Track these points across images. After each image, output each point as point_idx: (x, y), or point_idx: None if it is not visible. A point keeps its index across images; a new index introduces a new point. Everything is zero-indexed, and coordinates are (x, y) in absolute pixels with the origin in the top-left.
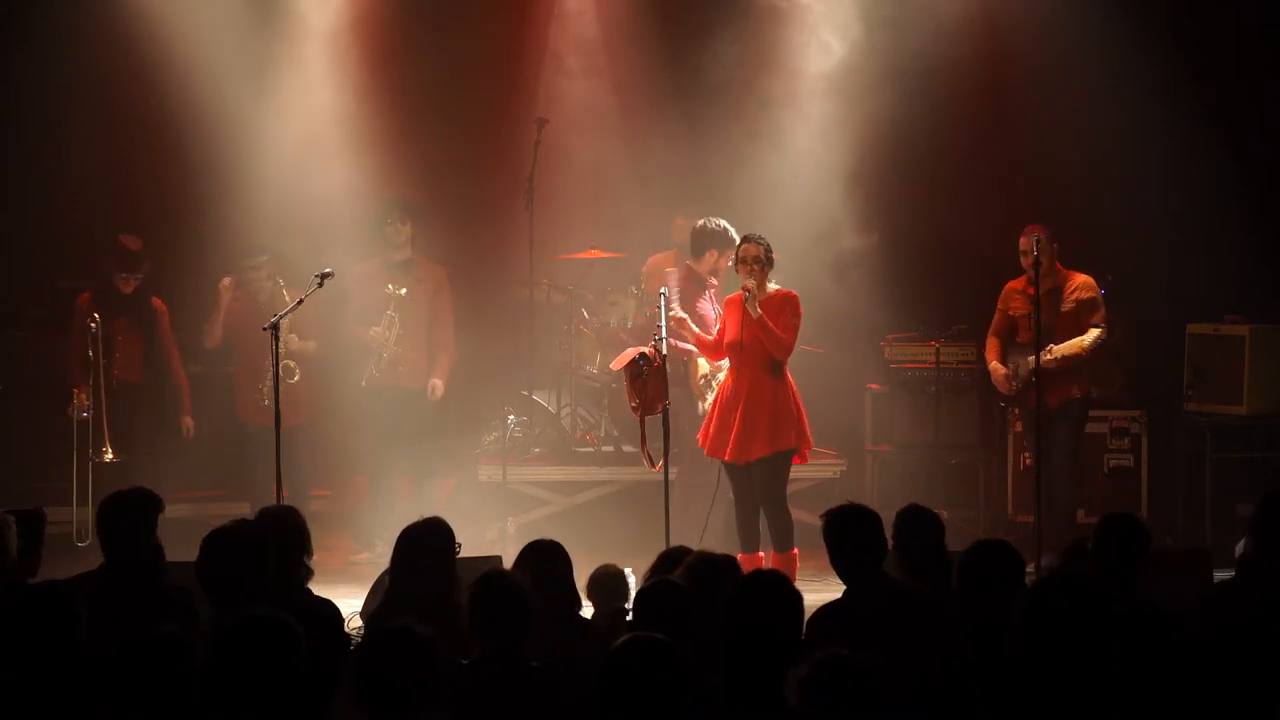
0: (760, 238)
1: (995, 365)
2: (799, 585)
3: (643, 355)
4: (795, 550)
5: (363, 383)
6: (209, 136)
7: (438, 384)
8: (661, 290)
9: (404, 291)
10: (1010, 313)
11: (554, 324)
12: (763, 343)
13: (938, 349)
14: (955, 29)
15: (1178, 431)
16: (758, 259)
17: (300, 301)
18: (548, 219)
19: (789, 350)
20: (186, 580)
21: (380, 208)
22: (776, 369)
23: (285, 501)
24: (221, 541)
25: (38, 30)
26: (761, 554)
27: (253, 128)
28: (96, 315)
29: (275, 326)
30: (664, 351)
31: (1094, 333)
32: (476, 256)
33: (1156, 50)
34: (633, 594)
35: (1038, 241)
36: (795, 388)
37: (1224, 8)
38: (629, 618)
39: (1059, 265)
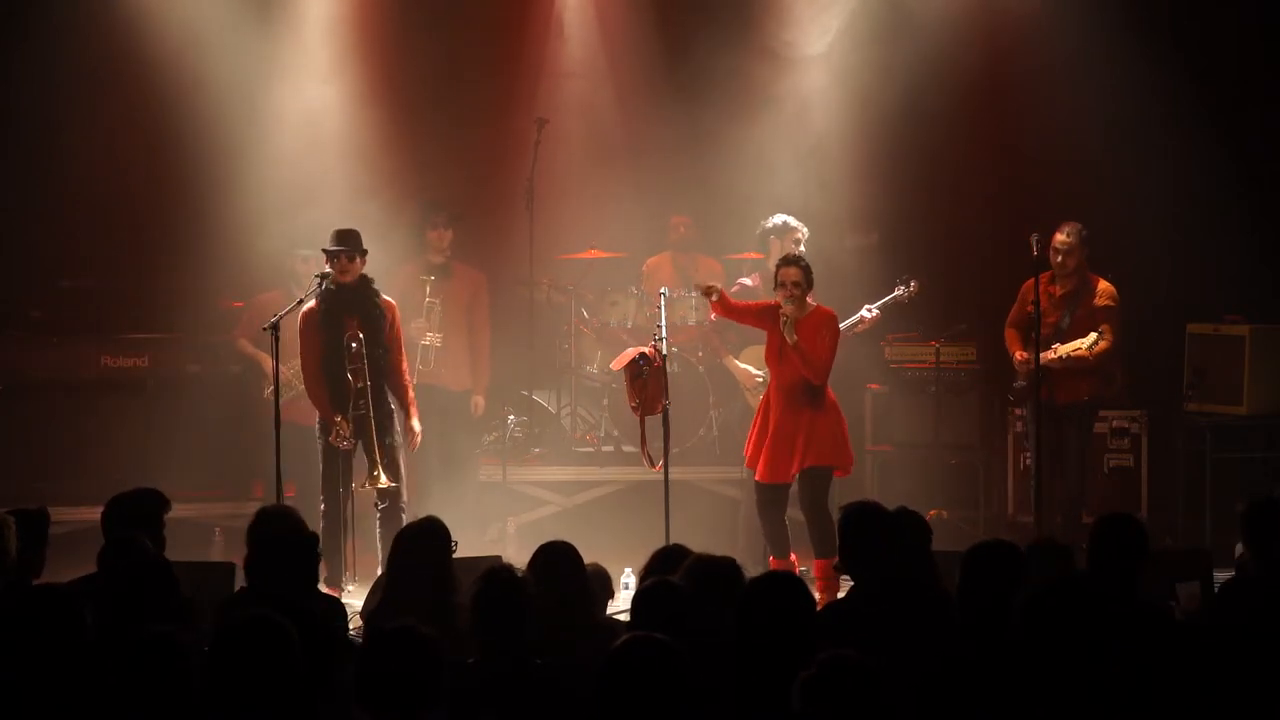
0: (799, 258)
1: (1020, 354)
2: (843, 590)
3: (643, 355)
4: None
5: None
6: (209, 137)
7: (480, 401)
8: (661, 290)
9: (433, 278)
10: (1028, 309)
11: (554, 324)
12: (798, 367)
13: (938, 349)
14: (956, 29)
15: (1178, 431)
16: (797, 283)
17: (300, 302)
18: (548, 219)
19: (824, 375)
20: (185, 580)
21: (422, 210)
22: (814, 390)
23: (292, 500)
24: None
25: (38, 30)
26: (794, 556)
27: (252, 128)
28: (361, 335)
29: (275, 326)
30: (664, 351)
31: (1093, 336)
32: (476, 256)
33: (1156, 50)
34: (630, 593)
35: (1080, 234)
36: (835, 402)
37: (1224, 8)
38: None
39: (1086, 268)
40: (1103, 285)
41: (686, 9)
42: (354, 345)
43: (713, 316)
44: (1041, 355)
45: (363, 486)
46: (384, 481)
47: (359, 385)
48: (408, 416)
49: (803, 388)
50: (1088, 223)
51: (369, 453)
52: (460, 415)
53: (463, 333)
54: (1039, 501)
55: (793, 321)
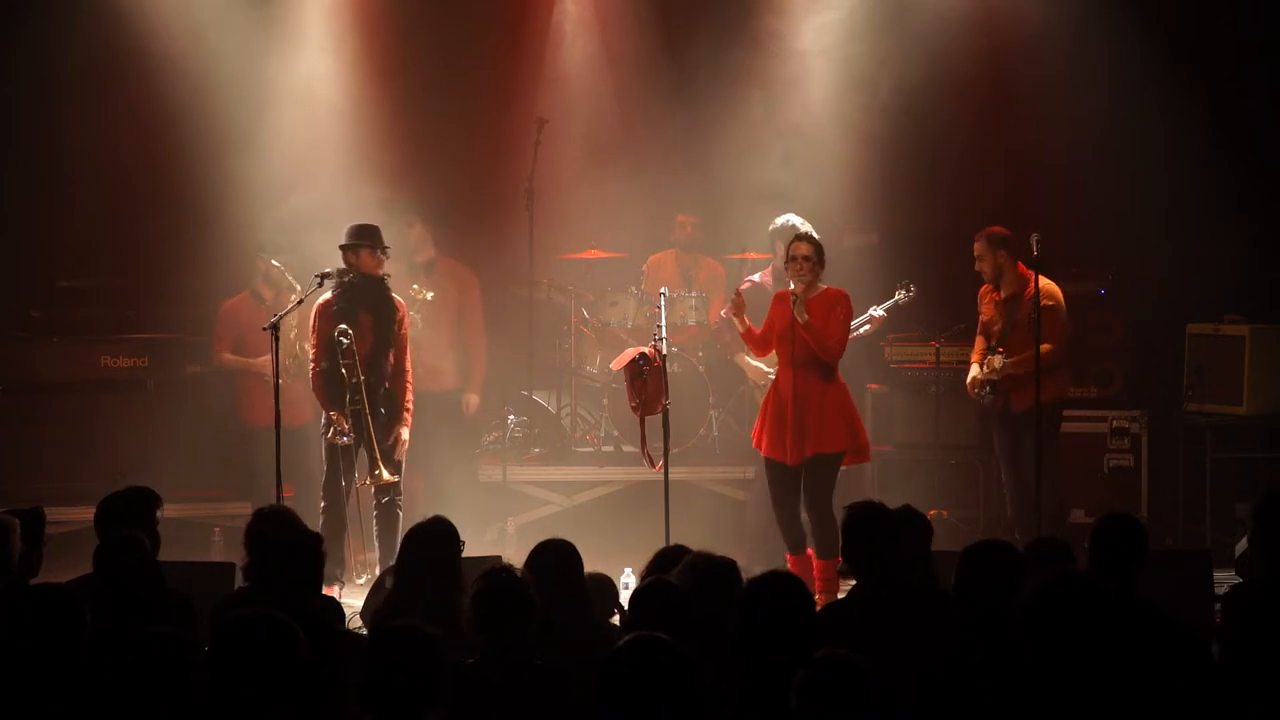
0: (811, 235)
1: (973, 367)
2: (842, 592)
3: (643, 355)
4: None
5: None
6: (209, 137)
7: (472, 399)
8: (661, 290)
9: (430, 295)
10: (982, 318)
11: (554, 324)
12: (810, 346)
13: (938, 349)
14: (956, 29)
15: (1178, 431)
16: (808, 258)
17: (300, 302)
18: (548, 219)
19: (837, 354)
20: (185, 580)
21: (391, 212)
22: (826, 370)
23: (288, 501)
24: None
25: (37, 30)
26: (811, 550)
27: (253, 127)
28: (350, 331)
29: (275, 326)
30: (664, 351)
31: (1042, 348)
32: (476, 256)
33: (1157, 50)
34: (629, 594)
35: (988, 238)
36: (846, 387)
37: (1224, 9)
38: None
39: (1022, 268)
40: (1040, 284)
41: (686, 7)
42: (344, 341)
43: (722, 312)
44: (975, 368)
45: (364, 484)
46: (386, 478)
47: (353, 381)
48: (400, 422)
49: (813, 367)
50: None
51: (368, 449)
52: (445, 415)
53: (448, 333)
54: (1020, 505)
55: (803, 299)
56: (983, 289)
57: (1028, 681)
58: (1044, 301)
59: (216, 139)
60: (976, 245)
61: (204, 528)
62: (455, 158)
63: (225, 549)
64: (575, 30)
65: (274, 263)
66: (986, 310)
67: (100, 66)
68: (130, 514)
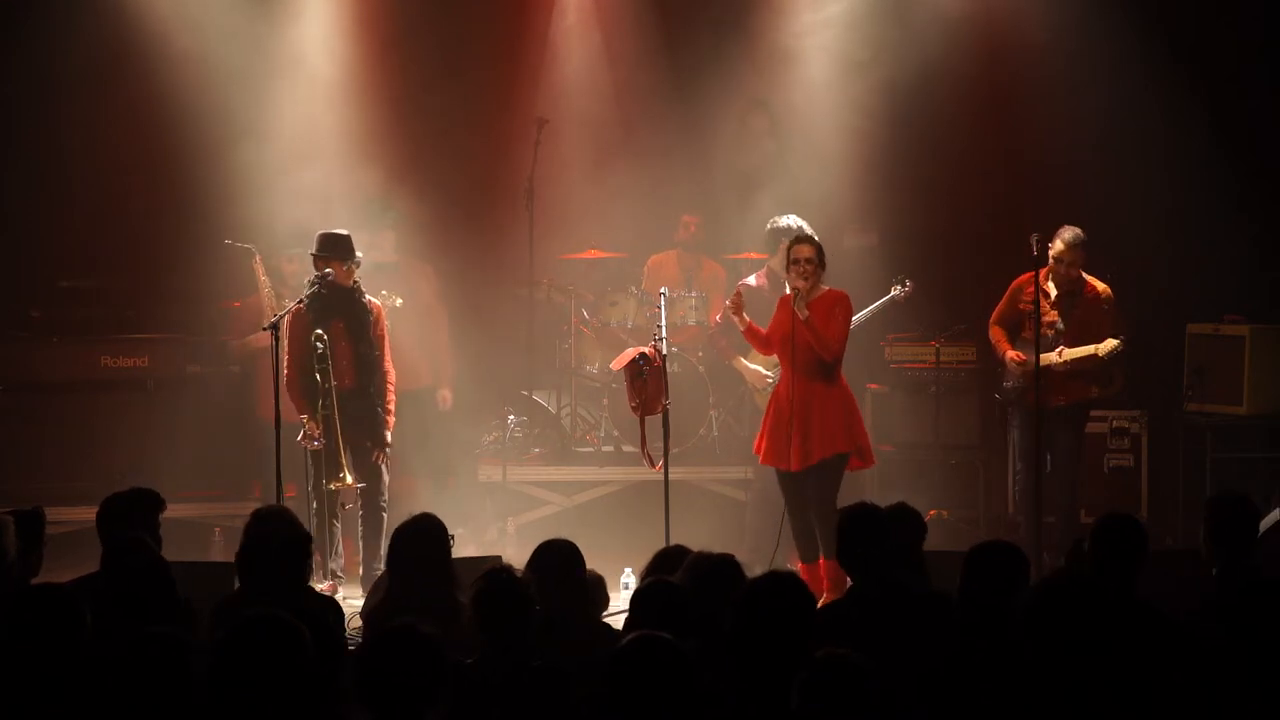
0: (813, 238)
1: (1014, 354)
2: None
3: (643, 355)
4: None
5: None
6: (209, 138)
7: (446, 395)
8: (661, 290)
9: (399, 302)
10: (1021, 306)
11: (554, 324)
12: (811, 345)
13: (938, 349)
14: (956, 28)
15: (1178, 431)
16: (810, 260)
17: (300, 302)
18: (548, 219)
19: (836, 352)
20: (185, 581)
21: (368, 214)
22: (828, 371)
23: (292, 500)
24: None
25: (38, 30)
26: (822, 560)
27: (252, 129)
28: (325, 336)
29: (275, 326)
30: (664, 351)
31: (1112, 342)
32: (477, 256)
33: (1157, 50)
34: (629, 594)
35: (1079, 243)
36: (849, 390)
37: (1224, 9)
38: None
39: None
40: (1101, 286)
41: (686, 5)
42: (320, 346)
43: (717, 318)
44: (1043, 357)
45: (329, 486)
46: (349, 483)
47: (325, 386)
48: (382, 425)
49: (815, 370)
50: (1088, 222)
51: (336, 453)
52: (429, 412)
53: (415, 331)
54: (1030, 505)
55: (804, 297)
56: (1023, 278)
57: (1028, 681)
58: (1105, 304)
59: (217, 138)
60: (1064, 249)
61: (204, 528)
62: (455, 157)
63: (225, 549)
64: (575, 29)
65: (289, 255)
66: (1030, 302)
67: (100, 66)
68: (133, 515)
